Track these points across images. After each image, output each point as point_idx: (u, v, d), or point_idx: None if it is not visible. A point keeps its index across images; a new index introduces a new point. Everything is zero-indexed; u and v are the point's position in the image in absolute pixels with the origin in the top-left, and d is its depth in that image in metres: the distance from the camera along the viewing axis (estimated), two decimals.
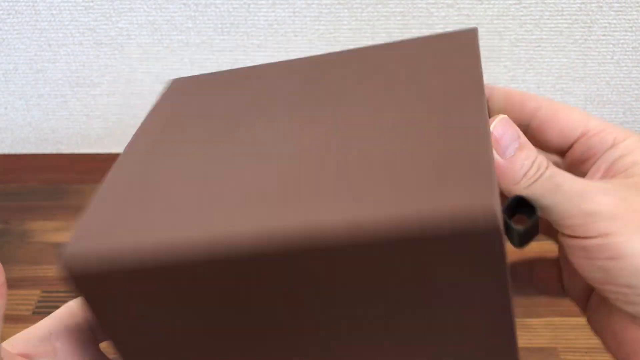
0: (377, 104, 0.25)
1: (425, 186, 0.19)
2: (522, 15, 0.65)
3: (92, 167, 0.73)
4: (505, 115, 0.24)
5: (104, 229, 0.22)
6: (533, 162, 0.23)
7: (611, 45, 0.67)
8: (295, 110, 0.26)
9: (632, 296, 0.24)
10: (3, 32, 0.66)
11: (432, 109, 0.23)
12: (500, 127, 0.24)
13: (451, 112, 0.23)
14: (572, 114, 0.26)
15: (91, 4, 0.64)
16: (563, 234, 0.25)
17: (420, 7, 0.64)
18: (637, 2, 0.64)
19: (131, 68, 0.68)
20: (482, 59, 0.72)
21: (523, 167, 0.23)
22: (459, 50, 0.27)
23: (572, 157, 0.26)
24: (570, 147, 0.26)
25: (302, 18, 0.64)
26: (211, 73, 0.31)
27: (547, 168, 0.24)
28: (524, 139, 0.24)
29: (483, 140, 0.21)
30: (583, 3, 0.64)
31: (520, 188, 0.24)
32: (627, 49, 0.67)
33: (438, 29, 0.65)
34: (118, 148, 0.74)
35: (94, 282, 0.21)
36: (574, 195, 0.24)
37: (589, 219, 0.24)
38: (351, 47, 0.71)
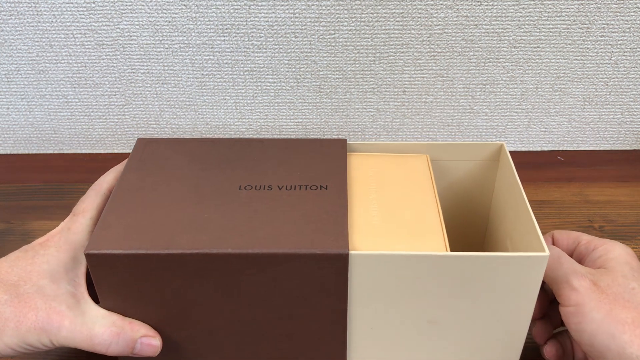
0: (279, 174, 0.46)
1: (314, 235, 0.39)
2: (520, 17, 0.65)
3: (94, 167, 0.73)
4: (556, 248, 0.43)
5: (117, 233, 0.40)
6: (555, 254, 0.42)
7: (609, 46, 0.67)
8: (229, 170, 0.46)
9: (594, 352, 0.38)
10: (5, 34, 0.66)
11: (312, 188, 0.44)
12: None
13: (326, 195, 0.43)
14: (573, 234, 0.45)
15: (93, 5, 0.64)
16: (560, 305, 0.40)
17: (420, 9, 0.64)
18: (635, 4, 0.64)
19: (132, 69, 0.68)
20: (482, 60, 0.74)
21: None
22: (331, 146, 0.48)
23: (576, 256, 0.44)
24: (574, 250, 0.44)
25: (302, 19, 0.65)
26: (170, 139, 0.50)
27: (559, 255, 0.41)
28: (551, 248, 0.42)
29: (343, 211, 0.41)
30: (581, 4, 0.64)
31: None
32: (625, 50, 0.67)
33: (437, 30, 0.65)
34: (119, 148, 0.75)
35: (104, 261, 0.38)
36: (568, 273, 0.39)
37: (570, 293, 0.39)
38: (350, 48, 0.72)
